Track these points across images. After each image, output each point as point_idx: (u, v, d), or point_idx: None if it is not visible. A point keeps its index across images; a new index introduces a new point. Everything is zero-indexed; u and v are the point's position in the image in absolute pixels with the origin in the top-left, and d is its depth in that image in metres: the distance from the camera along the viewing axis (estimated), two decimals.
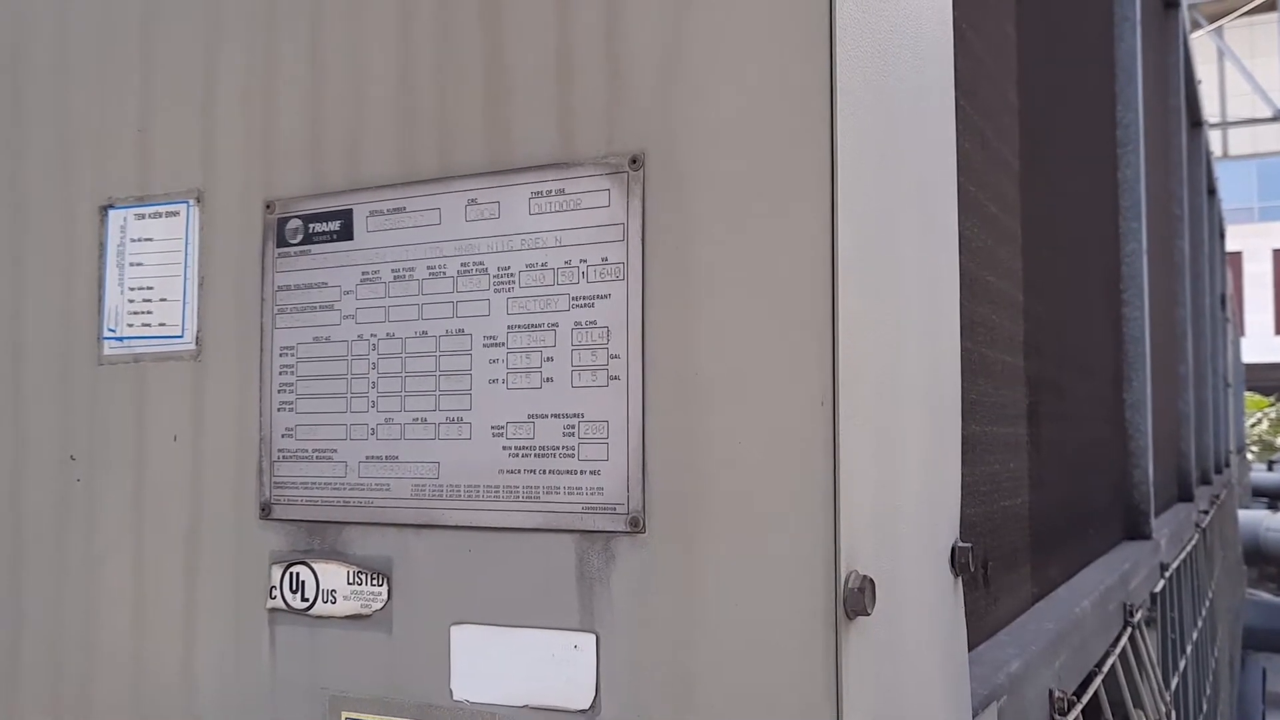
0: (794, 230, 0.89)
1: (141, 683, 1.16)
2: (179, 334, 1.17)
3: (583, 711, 0.94)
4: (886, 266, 0.99)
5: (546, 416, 0.98)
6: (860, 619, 0.88)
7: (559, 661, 0.95)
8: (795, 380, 0.88)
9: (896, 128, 1.04)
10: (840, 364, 0.88)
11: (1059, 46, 2.49)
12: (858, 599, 0.86)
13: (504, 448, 1.00)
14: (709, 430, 0.91)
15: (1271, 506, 12.01)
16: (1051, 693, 1.58)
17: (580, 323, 0.97)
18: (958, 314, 1.27)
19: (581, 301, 0.97)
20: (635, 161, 0.96)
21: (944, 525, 1.16)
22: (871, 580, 0.87)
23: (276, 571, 1.09)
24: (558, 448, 0.97)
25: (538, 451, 0.98)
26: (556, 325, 0.98)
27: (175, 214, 1.18)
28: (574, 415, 0.97)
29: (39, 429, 1.24)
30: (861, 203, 0.93)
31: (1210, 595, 4.91)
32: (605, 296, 0.96)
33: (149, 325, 1.19)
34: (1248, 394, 16.65)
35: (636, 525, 0.93)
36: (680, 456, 0.92)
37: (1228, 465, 7.78)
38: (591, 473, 0.96)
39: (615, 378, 0.95)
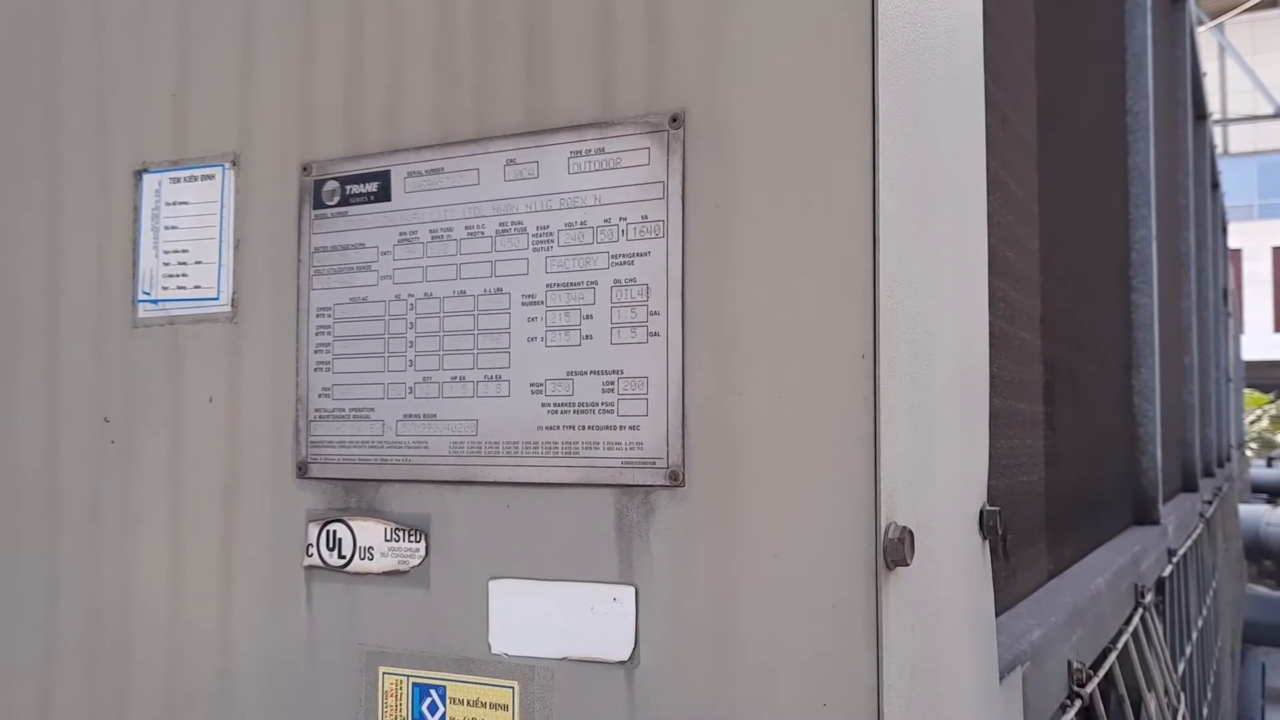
0: (835, 187, 0.90)
1: (178, 640, 1.17)
2: (214, 296, 1.18)
3: (621, 663, 0.95)
4: (923, 226, 1.00)
5: (585, 373, 0.99)
6: (900, 569, 0.89)
7: (598, 614, 0.96)
8: (835, 333, 0.89)
9: (932, 92, 1.05)
10: (880, 318, 0.88)
11: (1073, 30, 2.50)
12: (898, 549, 0.87)
13: (543, 404, 1.00)
14: (749, 384, 0.92)
15: (1271, 502, 12.02)
16: (1070, 664, 1.59)
17: (620, 280, 0.98)
18: (986, 284, 1.27)
19: (621, 259, 0.98)
20: (675, 120, 0.96)
21: (974, 489, 1.17)
22: (911, 531, 0.88)
23: (313, 529, 1.10)
24: (597, 404, 0.98)
25: (577, 408, 0.99)
26: (596, 283, 0.99)
27: (210, 177, 1.19)
28: (613, 372, 0.98)
29: (74, 391, 1.25)
30: (900, 162, 0.94)
31: (1214, 585, 4.92)
32: (645, 254, 0.97)
33: (184, 288, 1.20)
34: (1247, 391, 16.66)
35: (676, 479, 0.94)
36: (720, 410, 0.93)
37: (1229, 459, 7.79)
38: (631, 428, 0.96)
39: (655, 334, 0.96)
